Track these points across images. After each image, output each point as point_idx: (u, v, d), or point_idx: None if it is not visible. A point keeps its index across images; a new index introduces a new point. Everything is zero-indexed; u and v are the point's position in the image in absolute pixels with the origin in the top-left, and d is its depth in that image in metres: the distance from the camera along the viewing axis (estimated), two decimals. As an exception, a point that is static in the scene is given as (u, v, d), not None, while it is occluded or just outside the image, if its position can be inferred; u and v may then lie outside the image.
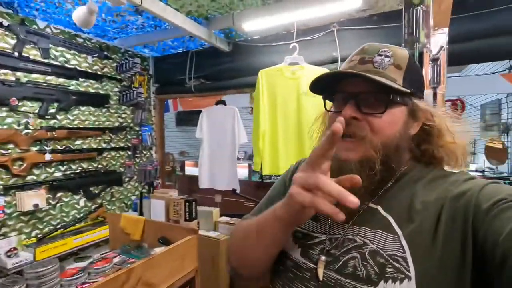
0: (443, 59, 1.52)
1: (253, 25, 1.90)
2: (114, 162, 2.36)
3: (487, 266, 0.40)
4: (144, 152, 2.64)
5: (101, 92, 2.26)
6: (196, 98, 4.77)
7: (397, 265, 0.46)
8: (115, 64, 2.37)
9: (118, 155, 2.40)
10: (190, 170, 5.52)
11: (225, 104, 2.47)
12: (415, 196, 0.51)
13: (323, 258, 0.53)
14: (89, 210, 2.16)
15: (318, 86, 0.60)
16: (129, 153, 2.49)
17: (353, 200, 0.39)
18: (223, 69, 2.37)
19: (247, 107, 5.18)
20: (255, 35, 2.20)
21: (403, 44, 1.57)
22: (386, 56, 0.54)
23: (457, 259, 0.43)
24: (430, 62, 1.54)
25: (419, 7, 1.43)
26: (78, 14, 1.24)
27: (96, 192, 2.21)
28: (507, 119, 4.01)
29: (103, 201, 2.27)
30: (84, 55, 2.12)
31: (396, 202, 0.52)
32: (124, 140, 2.45)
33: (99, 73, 2.23)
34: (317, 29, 1.99)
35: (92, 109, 2.19)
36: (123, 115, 2.45)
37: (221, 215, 2.01)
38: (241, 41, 2.27)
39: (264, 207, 0.72)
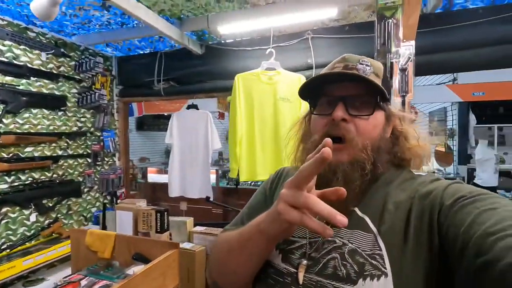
0: (410, 70, 1.63)
1: (229, 28, 1.86)
2: (71, 171, 2.13)
3: (450, 257, 0.43)
4: (106, 159, 2.43)
5: (57, 93, 2.03)
6: (162, 102, 4.56)
7: (374, 262, 0.48)
8: (73, 63, 2.15)
9: (76, 163, 2.17)
10: (153, 177, 5.25)
11: (197, 109, 2.37)
12: (388, 197, 0.54)
13: (304, 262, 0.53)
14: (42, 226, 1.90)
15: (305, 90, 0.61)
16: (89, 160, 2.27)
17: (341, 219, 0.40)
18: (194, 72, 2.28)
19: (214, 112, 5.09)
20: (229, 38, 2.16)
21: (375, 54, 1.66)
22: (367, 65, 0.58)
23: (426, 253, 0.46)
24: (399, 72, 1.64)
25: (390, 20, 1.52)
26: (38, 4, 1.08)
27: (50, 205, 1.96)
28: (452, 125, 4.48)
29: (59, 215, 2.03)
30: (37, 51, 1.89)
31: (371, 203, 0.55)
32: (83, 146, 2.22)
33: (54, 72, 2.00)
34: (291, 36, 2.02)
35: (46, 111, 1.95)
36: (82, 119, 2.22)
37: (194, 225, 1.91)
38: (214, 44, 2.21)
39: (245, 216, 0.71)
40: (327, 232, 0.41)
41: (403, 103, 1.70)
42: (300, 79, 1.81)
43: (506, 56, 1.66)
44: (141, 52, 2.46)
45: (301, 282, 0.52)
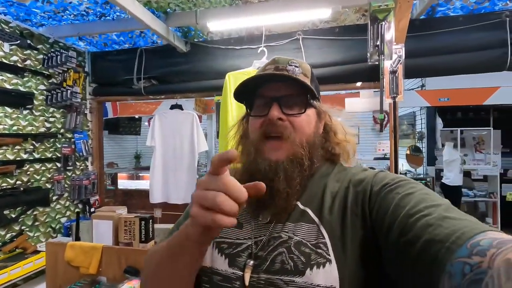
0: (400, 72, 1.68)
1: (219, 25, 1.78)
2: (38, 177, 1.90)
3: (378, 238, 0.47)
4: (78, 163, 2.21)
5: (22, 89, 1.81)
6: (138, 103, 4.31)
7: (319, 251, 0.50)
8: (41, 56, 1.93)
9: (44, 168, 1.94)
10: (124, 183, 4.93)
11: (181, 109, 2.25)
12: (326, 189, 0.57)
13: (250, 262, 0.53)
14: (3, 241, 1.66)
15: (239, 93, 0.63)
16: (59, 165, 2.05)
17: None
18: (178, 70, 2.17)
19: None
20: (217, 36, 2.09)
21: (368, 55, 1.69)
22: (296, 66, 0.61)
23: (361, 236, 0.50)
24: (390, 74, 1.68)
25: (383, 22, 1.55)
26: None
27: (13, 216, 1.73)
28: (421, 128, 4.75)
29: (23, 227, 1.79)
30: (-1, 42, 1.67)
31: (311, 196, 0.58)
32: (52, 149, 2.00)
33: (19, 65, 1.78)
34: (281, 36, 1.99)
35: (9, 110, 1.73)
36: (51, 119, 2.00)
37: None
38: (200, 42, 2.12)
39: (182, 225, 0.67)
40: (229, 221, 0.39)
41: (394, 105, 1.75)
42: (292, 79, 1.78)
43: (481, 62, 1.77)
44: (119, 47, 2.29)
45: (247, 283, 0.51)
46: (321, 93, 0.73)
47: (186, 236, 0.47)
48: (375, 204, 0.50)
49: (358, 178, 0.57)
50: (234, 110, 1.77)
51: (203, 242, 0.48)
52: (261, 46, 1.85)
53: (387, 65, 1.66)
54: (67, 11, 1.66)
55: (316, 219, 0.54)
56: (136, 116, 6.72)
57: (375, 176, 0.55)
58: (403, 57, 1.64)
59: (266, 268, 0.52)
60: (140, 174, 5.17)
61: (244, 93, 0.63)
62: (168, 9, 1.74)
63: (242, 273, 0.53)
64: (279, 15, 1.70)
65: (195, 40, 2.13)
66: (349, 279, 0.48)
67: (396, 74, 1.68)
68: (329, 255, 0.50)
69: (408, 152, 4.59)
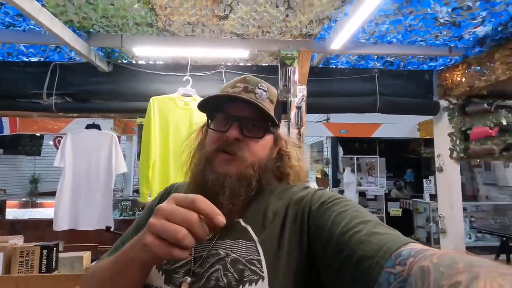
0: (303, 107, 2.04)
1: (145, 51, 1.86)
2: None
3: (316, 256, 0.50)
4: (-43, 187, 1.85)
5: None
6: (41, 120, 3.80)
7: (253, 268, 0.51)
8: None
9: None
10: (15, 212, 4.17)
11: (99, 129, 2.15)
12: (268, 206, 0.59)
13: (188, 280, 0.53)
14: None
15: (205, 104, 0.64)
16: None
17: (222, 219, 0.41)
18: (99, 89, 2.10)
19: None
20: (143, 60, 2.13)
21: (278, 93, 2.00)
22: (264, 91, 0.63)
23: (297, 253, 0.52)
24: (295, 108, 2.02)
25: (290, 67, 1.90)
26: None
27: None
28: (327, 155, 5.51)
29: None
30: None
31: (254, 213, 0.59)
32: None
33: None
34: (205, 67, 2.17)
35: None
36: None
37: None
38: (124, 64, 2.12)
39: (130, 237, 0.60)
40: (185, 255, 0.41)
41: (299, 134, 2.08)
42: (214, 107, 1.96)
43: (361, 104, 2.29)
44: (26, 59, 2.09)
45: None
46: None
47: (132, 258, 0.47)
48: (314, 222, 0.52)
49: (298, 196, 0.58)
50: (157, 133, 1.82)
51: (149, 265, 0.49)
52: (186, 75, 1.98)
53: (293, 101, 2.00)
54: (-35, 16, 1.49)
55: (254, 237, 0.55)
56: (38, 134, 5.85)
57: (314, 194, 0.57)
58: (305, 96, 2.01)
59: (202, 285, 0.52)
60: (37, 201, 4.45)
61: (208, 104, 0.64)
62: (92, 30, 1.74)
63: None
64: (204, 50, 1.88)
65: (119, 61, 2.13)
66: None
67: (301, 109, 2.03)
68: (262, 272, 0.51)
69: (319, 175, 5.26)
